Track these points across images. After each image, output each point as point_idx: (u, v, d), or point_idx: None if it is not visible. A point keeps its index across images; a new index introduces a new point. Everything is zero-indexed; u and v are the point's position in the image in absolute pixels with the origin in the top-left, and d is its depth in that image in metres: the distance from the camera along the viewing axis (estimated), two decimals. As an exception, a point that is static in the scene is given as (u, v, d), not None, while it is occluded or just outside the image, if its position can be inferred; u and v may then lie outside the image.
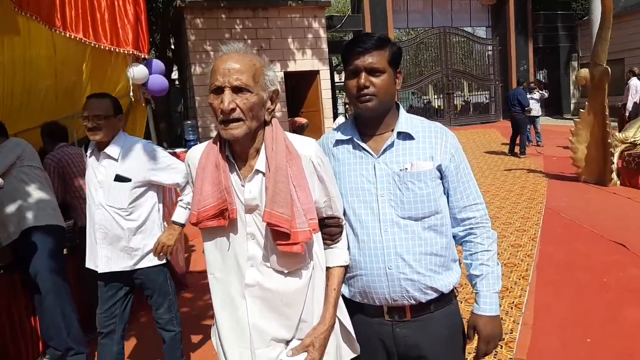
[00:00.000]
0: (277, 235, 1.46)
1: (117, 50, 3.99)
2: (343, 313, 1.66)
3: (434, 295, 1.66)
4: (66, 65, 4.90)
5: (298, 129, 13.30)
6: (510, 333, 3.42)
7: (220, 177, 1.49)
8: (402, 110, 1.73)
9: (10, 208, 3.33)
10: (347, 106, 4.95)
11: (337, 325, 1.62)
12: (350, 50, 1.63)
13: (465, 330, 1.76)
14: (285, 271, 1.53)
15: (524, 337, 3.39)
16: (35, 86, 5.06)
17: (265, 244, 1.52)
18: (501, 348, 3.22)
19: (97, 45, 3.92)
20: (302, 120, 14.28)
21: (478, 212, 1.71)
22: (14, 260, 3.50)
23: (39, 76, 4.96)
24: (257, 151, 1.53)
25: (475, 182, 1.74)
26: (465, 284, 3.89)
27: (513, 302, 3.90)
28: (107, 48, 3.95)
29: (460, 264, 1.77)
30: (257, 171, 1.51)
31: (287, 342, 1.56)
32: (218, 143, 1.53)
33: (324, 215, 1.62)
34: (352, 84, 1.63)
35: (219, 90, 1.44)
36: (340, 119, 5.09)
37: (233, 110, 1.43)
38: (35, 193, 3.42)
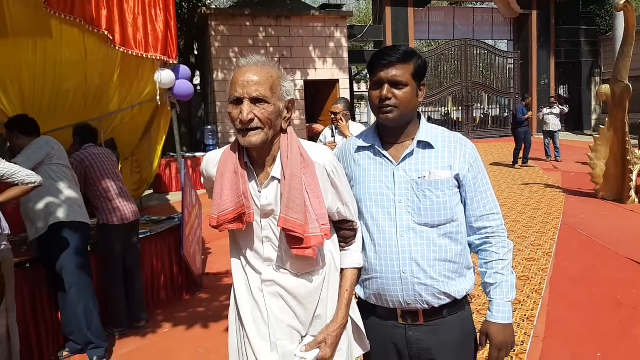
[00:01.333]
0: (291, 240, 1.56)
1: (146, 56, 4.13)
2: (355, 311, 1.75)
3: (447, 300, 1.71)
4: (96, 69, 5.05)
5: (315, 136, 13.43)
6: (521, 345, 3.44)
7: (238, 183, 1.58)
8: (424, 120, 1.78)
9: (39, 204, 3.46)
10: (333, 116, 4.63)
11: (349, 323, 1.70)
12: (376, 62, 1.69)
13: (478, 337, 1.81)
14: (299, 273, 1.63)
15: (535, 350, 3.40)
16: (65, 87, 5.22)
17: (280, 247, 1.62)
18: (512, 359, 3.25)
19: (127, 52, 4.06)
20: (319, 127, 14.39)
21: (495, 222, 1.75)
22: (39, 255, 3.62)
23: (69, 78, 5.12)
24: (274, 159, 1.62)
25: (493, 192, 1.78)
26: (477, 295, 3.93)
27: (525, 315, 3.92)
28: (136, 54, 4.10)
29: (475, 272, 1.82)
30: (273, 178, 1.60)
31: (302, 338, 1.65)
32: (237, 151, 1.62)
33: (338, 219, 1.70)
34: (375, 95, 1.70)
35: (239, 101, 1.53)
36: (327, 131, 4.89)
37: (251, 120, 1.51)
38: (64, 190, 3.55)
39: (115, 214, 3.97)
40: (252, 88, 1.51)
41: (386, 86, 1.66)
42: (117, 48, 4.07)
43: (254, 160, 1.63)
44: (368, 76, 1.79)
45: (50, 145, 3.57)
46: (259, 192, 1.61)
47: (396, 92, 1.66)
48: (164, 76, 4.27)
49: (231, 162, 1.60)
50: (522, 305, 4.10)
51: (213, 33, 13.12)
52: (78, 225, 3.56)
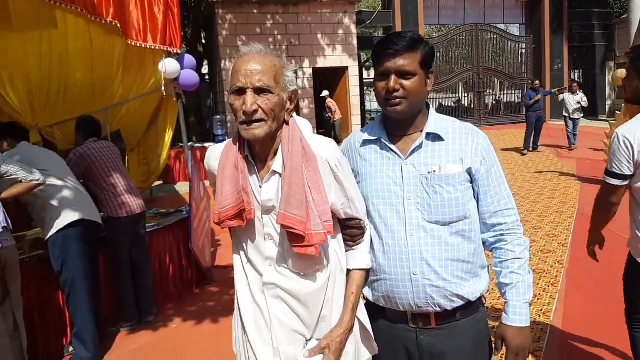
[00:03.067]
0: (292, 237, 1.47)
1: (147, 46, 4.05)
2: (362, 312, 1.66)
3: (460, 302, 1.61)
4: (102, 59, 5.00)
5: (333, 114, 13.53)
6: (538, 342, 3.35)
7: (239, 178, 1.50)
8: (433, 111, 1.68)
9: (47, 208, 3.40)
10: None
11: (356, 325, 1.62)
12: (381, 51, 1.58)
13: (493, 339, 1.72)
14: (302, 273, 1.53)
15: (553, 345, 3.31)
16: (72, 79, 5.18)
17: (282, 245, 1.53)
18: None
19: (130, 42, 3.99)
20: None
21: (510, 218, 1.65)
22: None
23: (75, 69, 5.07)
24: (276, 152, 1.53)
25: (507, 187, 1.68)
26: (491, 289, 3.83)
27: (541, 310, 3.82)
28: (139, 45, 4.01)
29: (489, 271, 1.72)
30: (274, 172, 1.51)
31: (307, 341, 1.57)
32: (237, 143, 1.54)
33: (344, 217, 1.60)
34: (381, 86, 1.59)
35: (241, 91, 1.44)
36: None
37: (255, 111, 1.43)
38: (65, 193, 3.47)
39: (121, 208, 3.92)
40: (256, 77, 1.42)
41: (393, 77, 1.55)
42: (121, 38, 4.00)
43: (256, 153, 1.54)
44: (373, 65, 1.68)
45: (29, 155, 3.44)
46: (260, 187, 1.52)
47: (404, 82, 1.55)
48: (169, 66, 4.19)
49: (232, 155, 1.52)
50: (538, 299, 4.00)
51: (220, 21, 13.02)
52: (81, 226, 3.47)
